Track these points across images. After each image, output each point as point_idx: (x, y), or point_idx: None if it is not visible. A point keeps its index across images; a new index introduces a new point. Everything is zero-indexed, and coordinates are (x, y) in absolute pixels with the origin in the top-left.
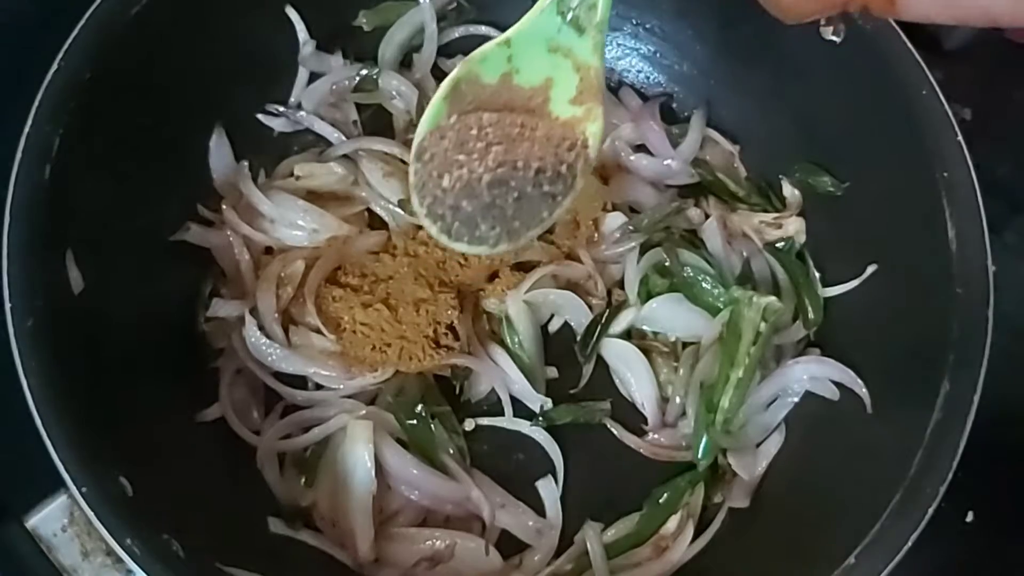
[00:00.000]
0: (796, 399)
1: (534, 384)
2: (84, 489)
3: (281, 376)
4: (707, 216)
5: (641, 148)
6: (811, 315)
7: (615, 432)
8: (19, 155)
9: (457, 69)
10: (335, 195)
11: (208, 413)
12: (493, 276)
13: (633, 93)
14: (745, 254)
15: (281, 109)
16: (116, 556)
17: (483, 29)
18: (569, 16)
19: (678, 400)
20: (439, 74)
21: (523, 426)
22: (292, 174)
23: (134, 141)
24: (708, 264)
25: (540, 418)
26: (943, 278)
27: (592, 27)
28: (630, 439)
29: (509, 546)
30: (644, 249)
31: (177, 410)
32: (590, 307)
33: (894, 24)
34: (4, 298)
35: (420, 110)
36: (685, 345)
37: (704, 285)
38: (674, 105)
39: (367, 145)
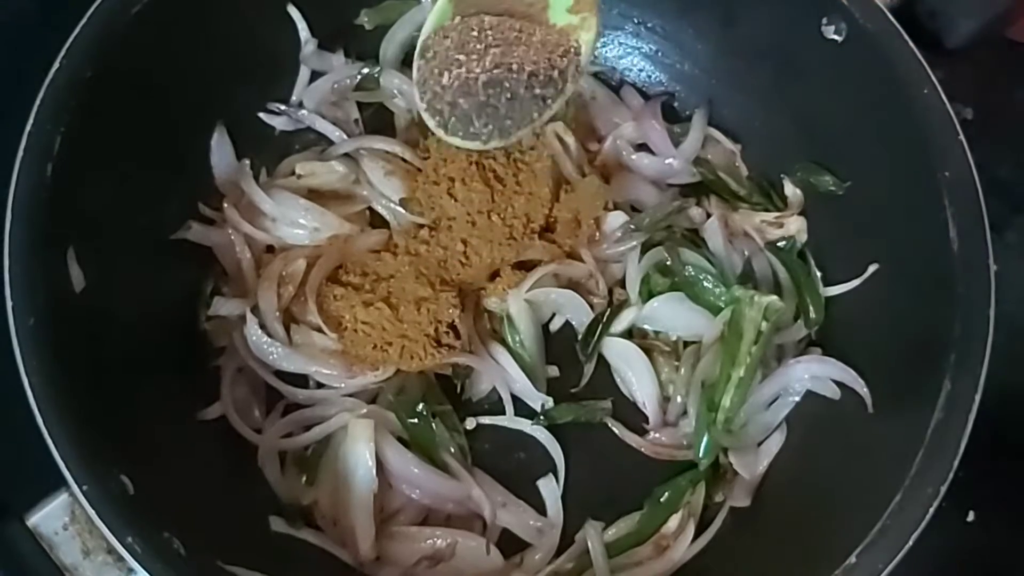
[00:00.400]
0: (797, 398)
1: (535, 383)
2: (85, 487)
3: (282, 375)
4: (708, 215)
5: (643, 147)
6: (812, 314)
7: (616, 431)
8: (20, 154)
9: None
10: (336, 194)
11: (209, 411)
12: (494, 275)
13: (635, 92)
14: (746, 253)
15: (282, 108)
16: (117, 554)
17: None
18: None
19: (679, 399)
20: None
21: (524, 425)
22: (293, 173)
23: (135, 140)
24: (709, 263)
25: (541, 417)
26: (944, 277)
27: None
28: (631, 438)
29: (510, 545)
30: (645, 248)
31: (178, 408)
32: (591, 306)
33: (896, 23)
34: (6, 296)
35: None
36: (686, 344)
37: (705, 284)
38: (675, 104)
39: (368, 144)
